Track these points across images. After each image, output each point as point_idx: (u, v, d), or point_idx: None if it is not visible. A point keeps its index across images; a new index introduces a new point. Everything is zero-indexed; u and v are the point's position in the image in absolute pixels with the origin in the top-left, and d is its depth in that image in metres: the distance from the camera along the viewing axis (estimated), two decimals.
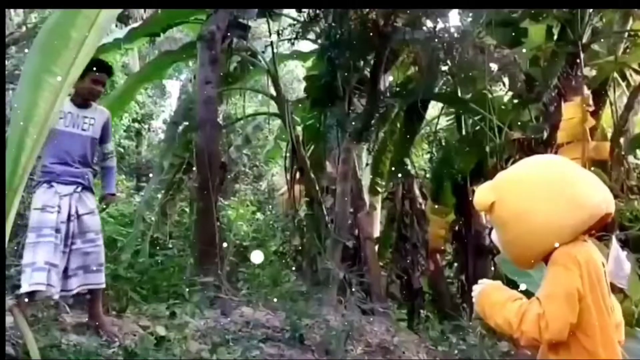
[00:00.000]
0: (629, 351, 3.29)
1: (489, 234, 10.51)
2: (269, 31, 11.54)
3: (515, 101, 10.82)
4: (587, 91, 9.19)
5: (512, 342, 2.95)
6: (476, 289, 2.98)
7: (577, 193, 2.79)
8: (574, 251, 2.74)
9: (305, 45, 13.69)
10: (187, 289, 8.41)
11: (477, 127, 11.26)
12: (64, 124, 5.67)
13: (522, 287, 3.19)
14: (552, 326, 2.62)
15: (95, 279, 5.93)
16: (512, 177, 3.00)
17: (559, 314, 2.64)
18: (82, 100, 5.85)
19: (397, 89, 11.39)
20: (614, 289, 3.28)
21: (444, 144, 12.77)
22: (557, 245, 2.77)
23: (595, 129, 9.66)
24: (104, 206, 6.46)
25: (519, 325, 2.66)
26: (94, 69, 5.60)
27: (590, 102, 9.00)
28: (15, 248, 7.71)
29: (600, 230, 3.07)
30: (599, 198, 2.83)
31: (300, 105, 12.91)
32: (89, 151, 5.94)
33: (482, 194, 2.97)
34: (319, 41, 11.15)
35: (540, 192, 2.81)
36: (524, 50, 10.51)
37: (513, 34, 10.24)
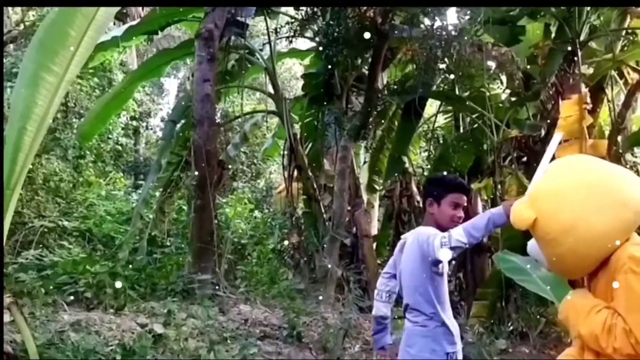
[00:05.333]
0: None
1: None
2: (267, 29, 11.52)
3: (513, 99, 10.82)
4: (584, 89, 9.19)
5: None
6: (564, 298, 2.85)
7: (620, 193, 2.68)
8: (638, 253, 2.60)
9: (303, 43, 13.73)
10: (185, 287, 8.42)
11: (475, 125, 11.25)
12: None
13: None
14: None
15: None
16: (549, 189, 2.83)
17: None
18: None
19: (395, 86, 11.36)
20: None
21: (441, 141, 12.76)
22: (617, 243, 2.65)
23: (592, 127, 9.66)
24: None
25: (609, 341, 2.53)
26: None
27: (588, 100, 9.00)
28: (14, 246, 7.71)
29: None
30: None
31: (298, 103, 12.92)
32: None
33: (521, 212, 2.83)
34: (317, 39, 11.14)
35: (585, 199, 2.68)
36: (521, 48, 10.52)
37: (511, 32, 10.25)
